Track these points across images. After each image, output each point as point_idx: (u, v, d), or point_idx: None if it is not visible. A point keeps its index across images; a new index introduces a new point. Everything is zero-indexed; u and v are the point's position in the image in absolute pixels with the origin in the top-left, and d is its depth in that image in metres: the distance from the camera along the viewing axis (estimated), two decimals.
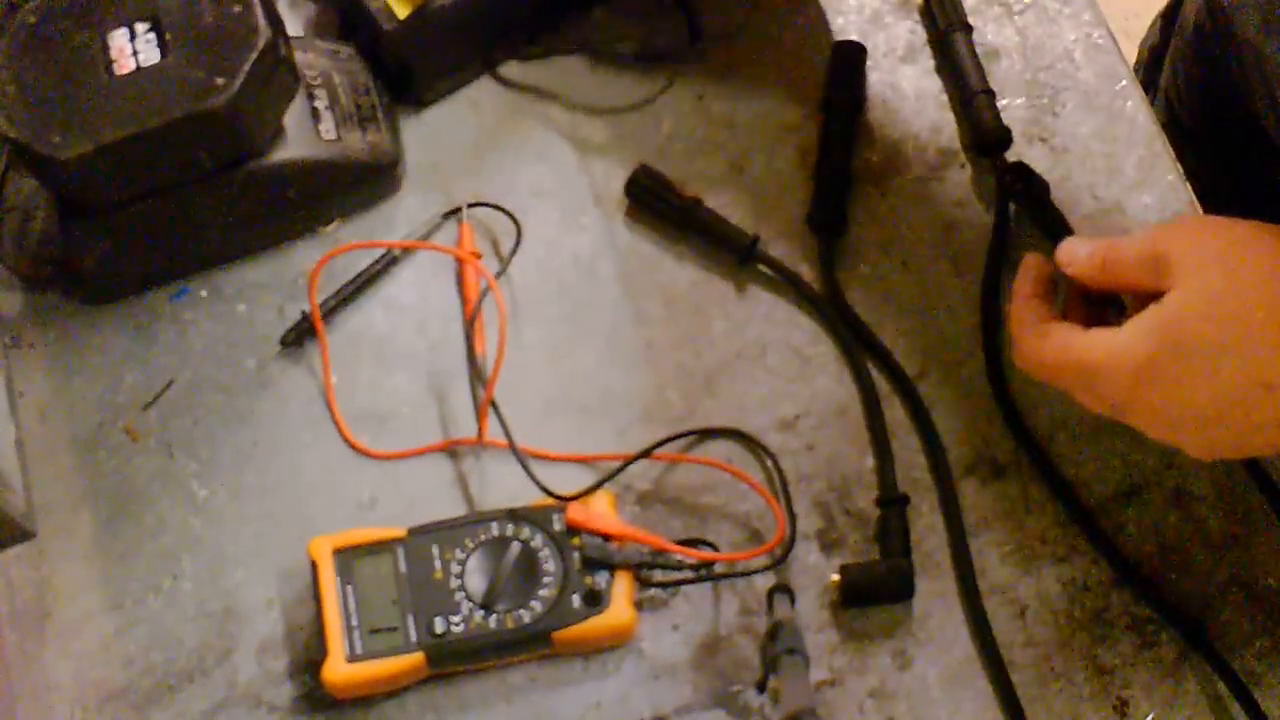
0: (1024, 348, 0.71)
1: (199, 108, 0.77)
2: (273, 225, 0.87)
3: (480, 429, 0.82)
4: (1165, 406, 0.65)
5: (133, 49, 0.78)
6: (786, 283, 0.86)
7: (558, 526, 0.77)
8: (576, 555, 0.77)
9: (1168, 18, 1.06)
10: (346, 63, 0.88)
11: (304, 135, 0.83)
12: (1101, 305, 0.71)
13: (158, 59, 0.78)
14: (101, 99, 0.77)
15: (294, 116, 0.83)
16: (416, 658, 0.75)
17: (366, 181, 0.87)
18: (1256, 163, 0.95)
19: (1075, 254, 0.70)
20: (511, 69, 0.92)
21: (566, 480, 0.79)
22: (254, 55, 0.78)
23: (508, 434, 0.80)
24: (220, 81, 0.77)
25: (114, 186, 0.80)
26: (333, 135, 0.84)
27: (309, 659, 0.78)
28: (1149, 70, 1.08)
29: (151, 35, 0.78)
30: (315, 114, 0.84)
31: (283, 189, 0.84)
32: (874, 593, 0.78)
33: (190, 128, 0.77)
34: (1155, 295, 0.66)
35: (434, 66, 0.90)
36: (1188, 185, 0.87)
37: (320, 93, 0.85)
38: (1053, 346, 0.69)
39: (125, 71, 0.78)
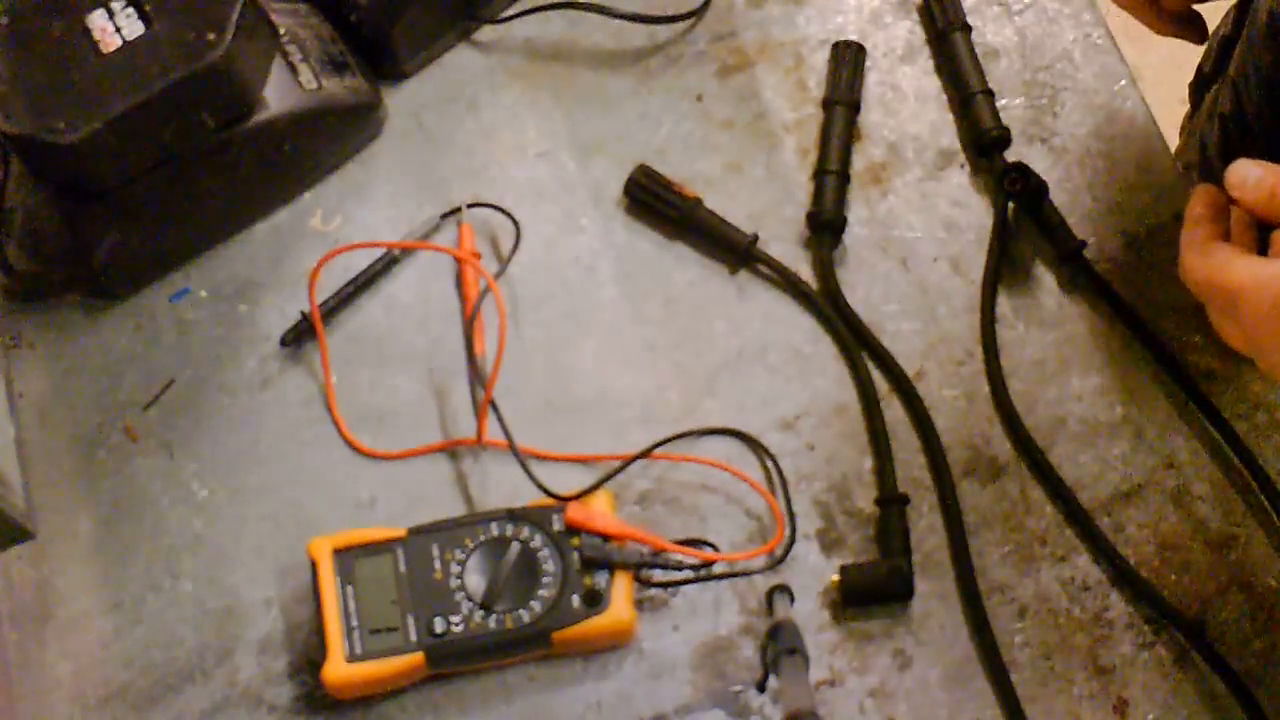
0: (1185, 263, 0.70)
1: (198, 65, 0.78)
2: (271, 187, 0.88)
3: (480, 429, 0.82)
4: None
5: (114, 26, 0.79)
6: (786, 282, 0.86)
7: (557, 526, 0.77)
8: (576, 555, 0.76)
9: (1241, 7, 1.06)
10: (306, 18, 0.89)
11: (288, 88, 0.85)
12: (1266, 232, 0.70)
13: (143, 30, 0.79)
14: (97, 78, 0.78)
15: (275, 73, 0.85)
16: (416, 658, 0.75)
17: (351, 126, 0.89)
18: None
19: (1245, 178, 0.69)
20: (488, 33, 0.93)
21: (566, 480, 0.79)
22: (238, 7, 0.79)
23: (507, 434, 0.80)
24: (212, 37, 0.78)
25: (122, 164, 0.80)
26: (314, 84, 0.85)
27: (309, 659, 0.78)
28: (1219, 60, 1.06)
29: (130, 10, 0.80)
30: (293, 68, 0.85)
31: (278, 144, 0.85)
32: (874, 593, 0.78)
33: (192, 86, 0.78)
34: None
35: (413, 36, 0.91)
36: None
37: (292, 48, 0.86)
38: (1210, 265, 0.69)
39: (113, 48, 0.79)
